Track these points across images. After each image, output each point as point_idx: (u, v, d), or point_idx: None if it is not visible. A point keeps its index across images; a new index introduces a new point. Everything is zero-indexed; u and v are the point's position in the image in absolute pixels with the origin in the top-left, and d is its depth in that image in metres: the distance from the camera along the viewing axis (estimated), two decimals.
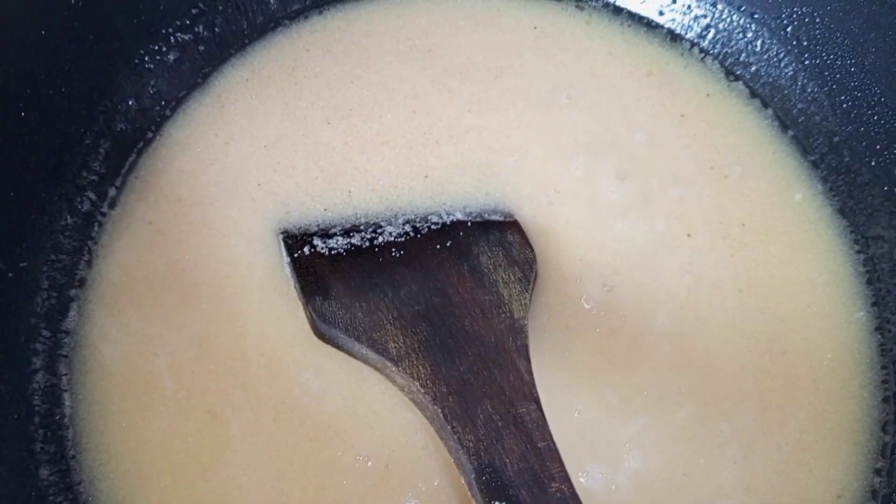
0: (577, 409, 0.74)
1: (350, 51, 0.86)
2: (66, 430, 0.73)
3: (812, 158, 0.87)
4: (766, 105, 0.89)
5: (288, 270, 0.77)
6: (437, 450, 0.72)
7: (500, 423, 0.66)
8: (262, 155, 0.81)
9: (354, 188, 0.80)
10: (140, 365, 0.74)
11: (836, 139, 0.86)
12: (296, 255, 0.75)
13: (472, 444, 0.65)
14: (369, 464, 0.72)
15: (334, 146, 0.82)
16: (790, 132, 0.88)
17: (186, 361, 0.74)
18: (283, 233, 0.78)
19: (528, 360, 0.69)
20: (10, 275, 0.71)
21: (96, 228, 0.79)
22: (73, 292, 0.77)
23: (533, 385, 0.68)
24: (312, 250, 0.75)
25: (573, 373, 0.75)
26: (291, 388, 0.74)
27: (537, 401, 0.67)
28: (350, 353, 0.72)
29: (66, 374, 0.75)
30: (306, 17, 0.88)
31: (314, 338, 0.74)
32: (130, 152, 0.82)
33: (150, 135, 0.83)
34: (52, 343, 0.75)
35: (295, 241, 0.76)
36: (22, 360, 0.71)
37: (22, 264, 0.72)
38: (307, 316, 0.74)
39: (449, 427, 0.66)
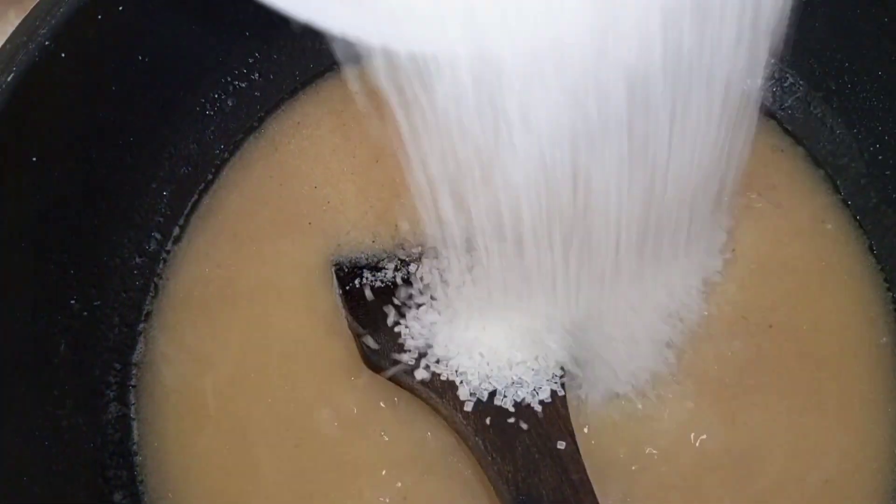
0: None
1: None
2: (135, 457, 0.78)
3: (841, 197, 0.90)
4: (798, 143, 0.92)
5: (339, 302, 0.81)
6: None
7: (537, 456, 0.71)
8: (314, 195, 0.86)
9: (402, 222, 0.84)
10: (191, 383, 0.80)
11: (864, 181, 0.89)
12: (347, 287, 0.80)
13: (510, 475, 0.70)
14: (387, 500, 0.76)
15: (383, 183, 0.86)
16: (821, 171, 0.91)
17: (226, 379, 0.79)
18: (335, 265, 0.83)
19: (563, 394, 0.74)
20: (86, 314, 0.77)
21: (161, 265, 0.85)
22: (140, 326, 0.82)
23: (568, 419, 0.74)
24: (363, 282, 0.80)
25: None
26: (313, 418, 0.78)
27: (572, 434, 0.73)
28: (398, 383, 0.78)
29: (133, 403, 0.81)
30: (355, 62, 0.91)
31: (341, 376, 0.79)
32: (193, 193, 0.89)
33: (209, 177, 0.89)
34: (122, 375, 0.81)
35: (346, 273, 0.81)
36: (97, 393, 0.77)
37: (96, 303, 0.79)
38: (357, 347, 0.79)
39: (489, 457, 0.71)
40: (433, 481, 0.77)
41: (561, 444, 0.71)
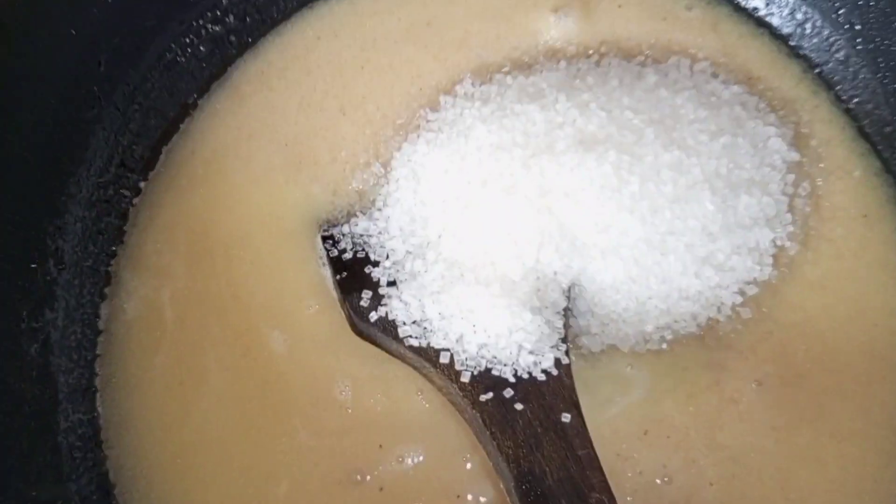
0: None
1: (357, 34, 0.88)
2: (96, 376, 0.77)
3: (867, 145, 0.84)
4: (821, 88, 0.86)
5: (325, 269, 0.78)
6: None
7: (539, 430, 0.66)
8: (285, 152, 0.82)
9: (379, 173, 0.81)
10: (150, 298, 0.79)
11: (889, 129, 0.83)
12: (333, 255, 0.77)
13: (511, 451, 0.65)
14: (349, 410, 0.74)
15: (354, 138, 0.83)
16: (845, 117, 0.85)
17: (183, 293, 0.78)
18: (322, 231, 0.79)
19: (568, 362, 0.68)
20: (52, 276, 0.75)
21: (130, 217, 0.83)
22: (109, 268, 0.81)
23: (573, 390, 0.68)
24: (352, 250, 0.77)
25: None
26: (261, 335, 0.76)
27: (577, 406, 0.67)
28: (388, 350, 0.74)
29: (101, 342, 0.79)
30: (311, 7, 0.89)
31: (288, 308, 0.76)
32: (162, 145, 0.85)
33: (180, 126, 0.86)
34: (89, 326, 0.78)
35: (333, 240, 0.77)
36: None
37: (60, 266, 0.76)
38: (345, 312, 0.76)
39: (488, 432, 0.67)
40: (379, 396, 0.74)
41: (566, 417, 0.65)
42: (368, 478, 0.71)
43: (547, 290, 0.71)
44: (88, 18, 0.75)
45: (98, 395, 0.76)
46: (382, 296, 0.73)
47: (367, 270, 0.75)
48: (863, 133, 0.85)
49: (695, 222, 0.69)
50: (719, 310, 0.75)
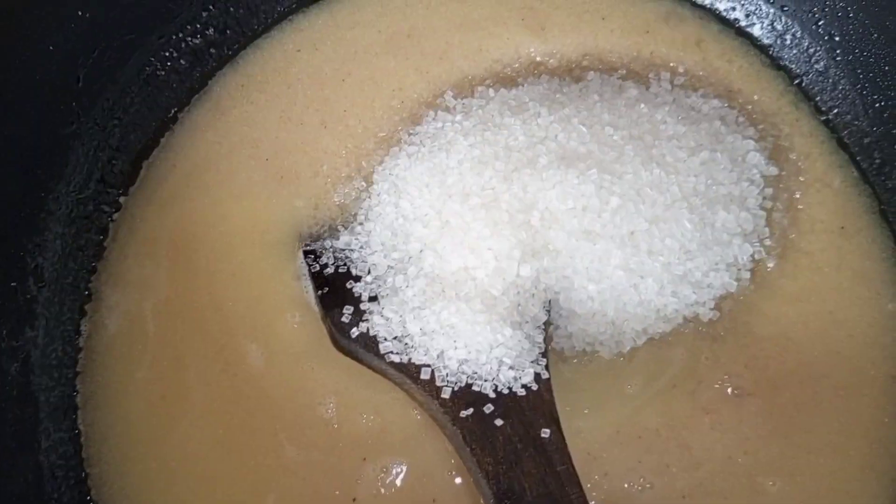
0: None
1: (338, 46, 0.88)
2: (76, 395, 0.77)
3: (846, 156, 0.85)
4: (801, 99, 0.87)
5: (306, 283, 0.78)
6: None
7: (519, 446, 0.66)
8: (266, 167, 0.82)
9: (361, 187, 0.81)
10: (131, 312, 0.79)
11: (867, 140, 0.84)
12: (314, 270, 0.77)
13: (491, 468, 0.66)
14: (334, 426, 0.74)
15: (335, 152, 0.83)
16: (824, 128, 0.86)
17: (164, 306, 0.78)
18: (304, 247, 0.79)
19: (548, 377, 0.69)
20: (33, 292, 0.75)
21: (109, 231, 0.82)
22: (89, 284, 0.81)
23: (553, 405, 0.69)
24: (334, 265, 0.77)
25: None
26: (242, 349, 0.76)
27: (557, 422, 0.68)
28: (369, 366, 0.75)
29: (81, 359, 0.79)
30: (290, 20, 0.90)
31: (266, 315, 0.77)
32: (143, 159, 0.85)
33: (161, 141, 0.86)
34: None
35: (315, 255, 0.78)
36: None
37: (40, 284, 0.76)
38: (326, 328, 0.76)
39: (468, 449, 0.67)
40: (363, 410, 0.74)
41: (545, 433, 0.66)
42: (354, 492, 0.72)
43: (527, 305, 0.72)
44: (66, 34, 0.75)
45: (79, 412, 0.76)
46: (364, 311, 0.74)
47: (348, 285, 0.75)
48: (841, 144, 0.86)
49: (672, 241, 0.69)
50: (696, 324, 0.75)
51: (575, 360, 0.75)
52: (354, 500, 0.71)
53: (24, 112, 0.73)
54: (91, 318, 0.79)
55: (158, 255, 0.80)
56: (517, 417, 0.67)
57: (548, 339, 0.72)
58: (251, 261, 0.79)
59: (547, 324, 0.72)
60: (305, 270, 0.78)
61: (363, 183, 0.81)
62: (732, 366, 0.75)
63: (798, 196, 0.81)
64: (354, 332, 0.73)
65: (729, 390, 0.75)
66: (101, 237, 0.81)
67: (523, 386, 0.68)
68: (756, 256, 0.76)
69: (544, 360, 0.70)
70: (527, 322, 0.71)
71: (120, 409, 0.76)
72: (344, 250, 0.77)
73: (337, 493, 0.71)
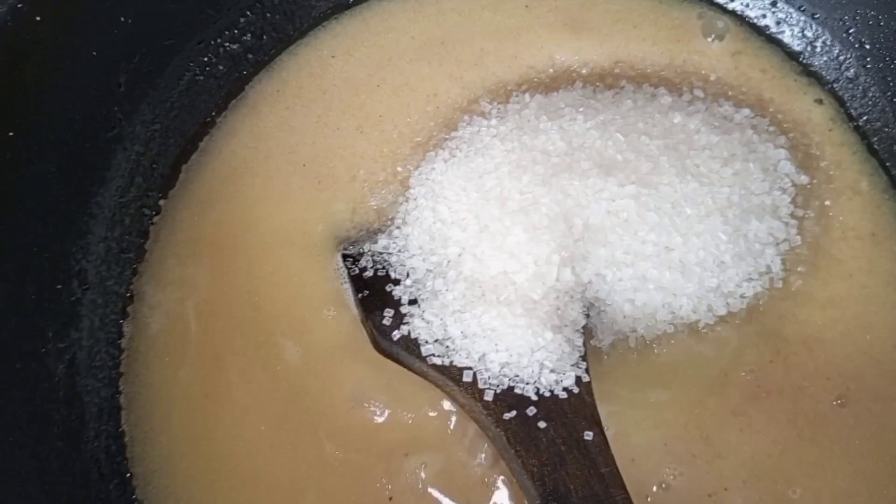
0: None
1: (371, 52, 0.90)
2: (119, 395, 0.79)
3: (875, 162, 0.87)
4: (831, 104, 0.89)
5: (345, 285, 0.80)
6: None
7: (563, 448, 0.67)
8: (304, 172, 0.84)
9: (398, 191, 0.83)
10: (174, 311, 0.80)
11: None
12: (354, 272, 0.79)
13: (535, 469, 0.67)
14: (374, 422, 0.75)
15: (373, 157, 0.85)
16: (856, 134, 0.88)
17: (206, 305, 0.80)
18: (343, 250, 0.80)
19: (588, 380, 0.71)
20: (75, 296, 0.76)
21: (149, 234, 0.84)
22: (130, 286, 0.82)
23: (594, 408, 0.70)
24: (373, 268, 0.78)
25: None
26: (282, 348, 0.78)
27: (599, 424, 0.69)
28: (411, 368, 0.76)
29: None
30: (324, 26, 0.92)
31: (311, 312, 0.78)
32: (181, 163, 0.86)
33: (199, 145, 0.87)
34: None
35: (353, 259, 0.79)
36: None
37: (84, 286, 0.78)
38: (367, 331, 0.78)
39: (513, 451, 0.68)
40: (403, 407, 0.75)
41: (588, 435, 0.68)
42: (391, 490, 0.73)
43: (566, 309, 0.73)
44: (108, 39, 0.77)
45: (123, 412, 0.77)
46: (404, 314, 0.75)
47: (388, 289, 0.77)
48: (871, 150, 0.87)
49: (706, 254, 0.71)
50: (726, 327, 0.77)
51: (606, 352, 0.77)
52: (391, 498, 0.73)
53: (68, 117, 0.75)
54: (133, 320, 0.80)
55: (199, 255, 0.82)
56: (560, 420, 0.68)
57: (587, 343, 0.74)
58: (289, 262, 0.81)
59: (586, 328, 0.74)
60: (344, 274, 0.79)
61: (400, 187, 0.83)
62: (762, 369, 0.77)
63: (829, 203, 0.82)
64: (396, 334, 0.74)
65: (758, 393, 0.76)
66: (143, 240, 0.83)
67: (564, 389, 0.70)
68: (788, 265, 0.77)
69: (584, 363, 0.72)
70: (566, 326, 0.73)
71: (163, 408, 0.78)
72: (382, 254, 0.79)
73: (375, 490, 0.73)
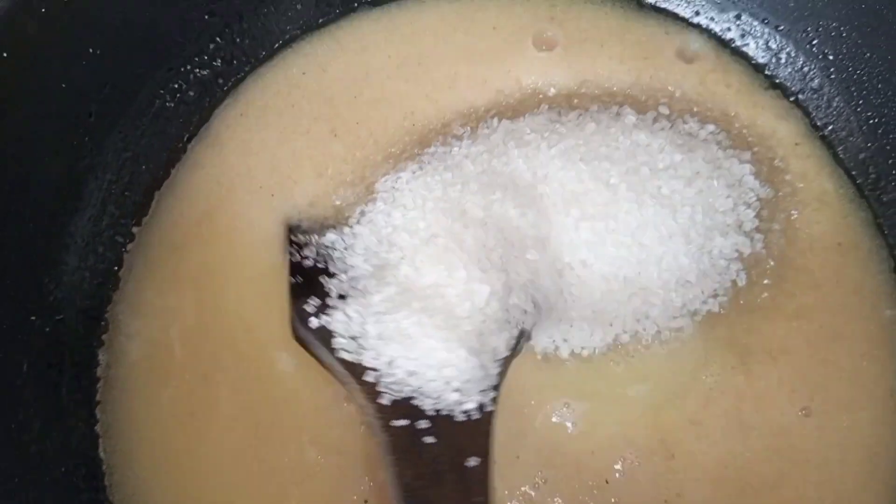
0: None
1: (348, 68, 0.90)
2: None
3: (841, 172, 0.88)
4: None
5: (286, 269, 0.80)
6: None
7: (443, 468, 0.67)
8: (268, 188, 0.85)
9: (360, 193, 0.84)
10: (155, 337, 0.81)
11: (862, 156, 0.86)
12: (295, 259, 0.79)
13: (409, 481, 0.67)
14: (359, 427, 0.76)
15: (342, 157, 0.86)
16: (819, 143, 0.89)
17: (192, 328, 0.81)
18: (291, 236, 0.81)
19: (492, 410, 0.70)
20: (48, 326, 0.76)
21: (122, 261, 0.85)
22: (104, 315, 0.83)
23: (488, 437, 0.69)
24: (313, 259, 0.79)
25: None
26: (270, 358, 0.80)
27: (487, 455, 0.68)
28: (319, 359, 0.76)
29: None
30: (293, 47, 0.92)
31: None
32: (155, 188, 0.87)
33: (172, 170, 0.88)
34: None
35: (299, 245, 0.80)
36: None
37: (58, 316, 0.78)
38: (289, 315, 0.78)
39: (392, 457, 0.68)
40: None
41: (472, 462, 0.67)
42: (367, 494, 0.74)
43: (490, 336, 0.73)
44: (78, 71, 0.77)
45: (101, 440, 0.78)
46: (329, 306, 0.75)
47: (321, 279, 0.77)
48: (837, 160, 0.88)
49: (670, 275, 0.72)
50: (693, 342, 0.78)
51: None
52: (366, 501, 0.74)
53: (39, 149, 0.75)
54: (109, 348, 0.81)
55: (179, 280, 0.83)
56: (448, 440, 0.68)
57: (502, 374, 0.72)
58: (273, 278, 0.81)
59: (509, 359, 0.73)
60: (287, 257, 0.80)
61: (364, 191, 0.83)
62: (726, 380, 0.78)
63: (795, 215, 0.84)
64: (314, 322, 0.74)
65: (723, 406, 0.77)
66: (117, 267, 0.84)
67: (464, 412, 0.69)
68: (754, 279, 0.79)
69: (494, 392, 0.71)
70: (485, 352, 0.72)
71: (144, 432, 0.78)
72: (328, 248, 0.79)
73: (353, 496, 0.74)
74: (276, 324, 0.79)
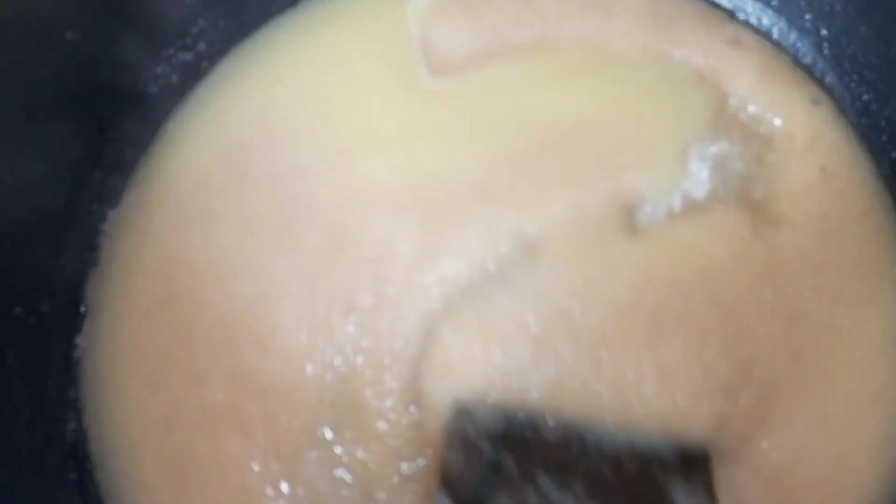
0: None
1: None
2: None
3: None
4: None
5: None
6: None
7: None
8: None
9: None
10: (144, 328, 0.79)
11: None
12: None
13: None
14: None
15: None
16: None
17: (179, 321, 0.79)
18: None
19: None
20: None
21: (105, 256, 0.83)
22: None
23: None
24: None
25: None
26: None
27: None
28: None
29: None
30: None
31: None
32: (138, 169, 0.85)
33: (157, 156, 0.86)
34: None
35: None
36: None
37: (43, 308, 0.77)
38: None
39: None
40: None
41: None
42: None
43: None
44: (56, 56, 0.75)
45: (89, 433, 0.77)
46: None
47: None
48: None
49: None
50: None
51: None
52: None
53: (16, 137, 0.73)
54: (95, 339, 0.80)
55: (167, 268, 0.80)
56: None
57: None
58: None
59: None
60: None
61: None
62: None
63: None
64: None
65: None
66: (101, 256, 0.82)
67: None
68: None
69: None
70: None
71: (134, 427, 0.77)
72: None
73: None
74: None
